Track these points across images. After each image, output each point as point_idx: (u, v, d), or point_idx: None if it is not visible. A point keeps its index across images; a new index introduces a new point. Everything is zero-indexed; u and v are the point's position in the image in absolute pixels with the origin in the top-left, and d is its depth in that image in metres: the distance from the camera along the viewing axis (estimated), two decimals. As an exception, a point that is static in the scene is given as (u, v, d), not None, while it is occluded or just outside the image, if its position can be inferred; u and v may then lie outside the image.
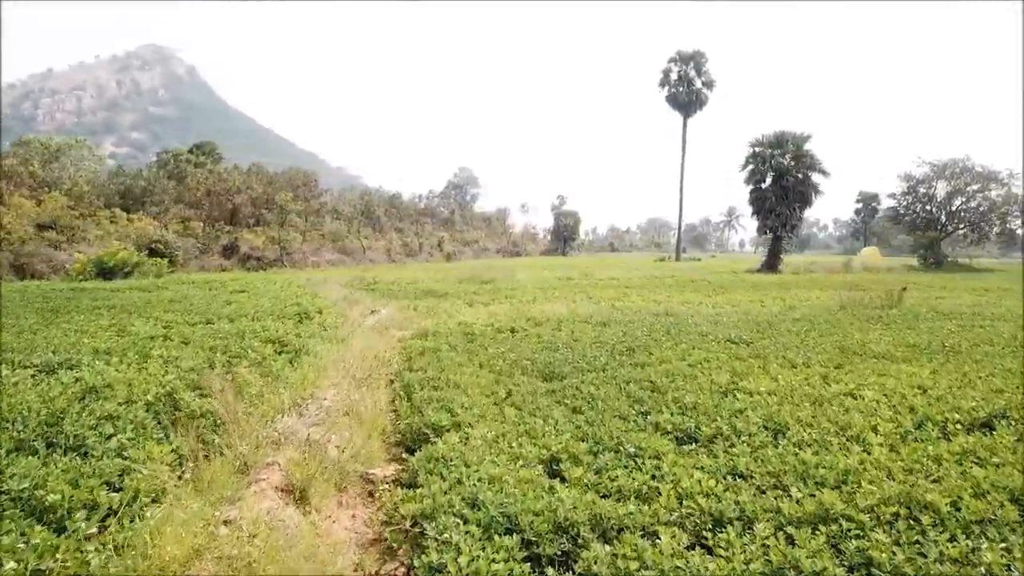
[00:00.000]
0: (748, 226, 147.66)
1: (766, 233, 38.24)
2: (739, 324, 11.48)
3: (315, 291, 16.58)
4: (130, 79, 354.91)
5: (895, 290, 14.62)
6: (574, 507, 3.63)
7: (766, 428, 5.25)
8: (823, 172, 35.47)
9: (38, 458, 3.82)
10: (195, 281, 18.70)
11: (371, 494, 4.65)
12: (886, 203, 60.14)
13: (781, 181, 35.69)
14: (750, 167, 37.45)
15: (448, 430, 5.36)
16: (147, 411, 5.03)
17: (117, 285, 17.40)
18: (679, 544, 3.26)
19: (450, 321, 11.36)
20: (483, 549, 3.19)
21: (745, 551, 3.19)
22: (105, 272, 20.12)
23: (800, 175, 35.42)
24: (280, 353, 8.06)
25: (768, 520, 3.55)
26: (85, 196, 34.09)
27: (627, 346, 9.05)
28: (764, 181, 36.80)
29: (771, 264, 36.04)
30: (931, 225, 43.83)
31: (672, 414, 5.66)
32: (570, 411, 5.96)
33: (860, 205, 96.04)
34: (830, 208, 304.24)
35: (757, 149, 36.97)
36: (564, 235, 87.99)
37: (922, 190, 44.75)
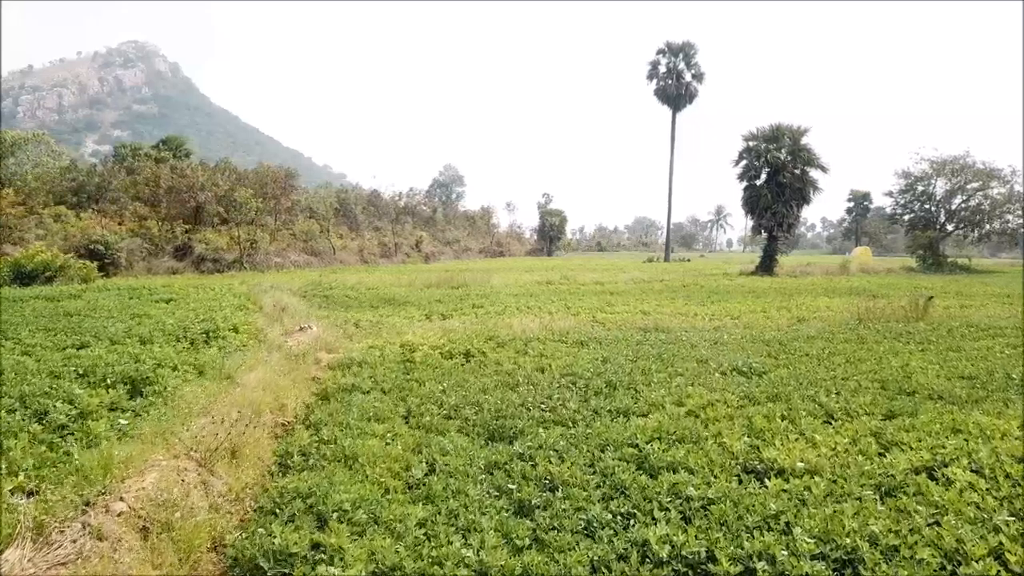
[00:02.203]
0: (736, 225, 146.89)
1: (760, 233, 36.15)
2: (744, 345, 9.52)
3: (253, 300, 14.36)
4: (112, 76, 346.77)
5: (919, 299, 12.68)
6: None
7: (824, 557, 3.21)
8: (822, 168, 33.25)
9: None
10: (120, 288, 16.37)
11: None
12: (878, 202, 58.67)
13: (777, 177, 33.49)
14: (743, 163, 35.18)
15: (303, 562, 3.28)
16: None
17: (26, 292, 15.09)
18: None
19: (392, 342, 9.23)
20: None
21: None
22: (23, 277, 17.72)
23: (797, 171, 33.22)
24: (134, 397, 5.91)
25: None
26: (33, 193, 31.64)
27: (606, 380, 7.02)
28: (759, 178, 34.62)
29: (766, 266, 34.00)
30: (930, 224, 42.11)
31: (669, 521, 3.62)
32: (513, 510, 3.89)
33: (852, 204, 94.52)
34: (817, 207, 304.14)
35: (751, 143, 34.70)
36: (550, 235, 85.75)
37: (920, 188, 43.03)
